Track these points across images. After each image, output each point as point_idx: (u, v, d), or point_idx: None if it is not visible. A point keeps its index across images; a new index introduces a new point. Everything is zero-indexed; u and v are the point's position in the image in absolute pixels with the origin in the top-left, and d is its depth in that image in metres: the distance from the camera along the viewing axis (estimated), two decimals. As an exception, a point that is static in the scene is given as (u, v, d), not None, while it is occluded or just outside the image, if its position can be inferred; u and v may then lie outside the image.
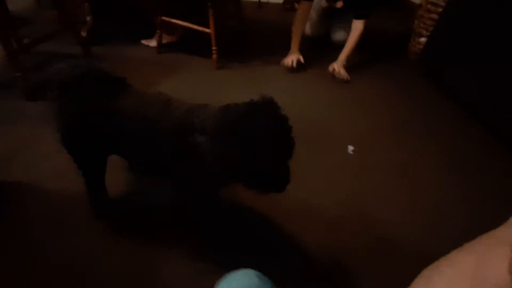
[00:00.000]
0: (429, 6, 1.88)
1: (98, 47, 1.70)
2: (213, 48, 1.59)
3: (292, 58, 1.64)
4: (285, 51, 1.73)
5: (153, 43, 1.76)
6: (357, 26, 1.64)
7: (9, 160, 0.98)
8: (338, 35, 1.89)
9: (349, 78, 1.60)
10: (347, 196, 1.00)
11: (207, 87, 1.52)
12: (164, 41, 1.75)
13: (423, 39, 1.92)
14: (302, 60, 1.66)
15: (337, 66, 1.61)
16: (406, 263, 0.72)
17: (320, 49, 1.90)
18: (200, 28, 1.57)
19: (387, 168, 1.13)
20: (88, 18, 1.74)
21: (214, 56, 1.61)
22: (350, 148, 1.17)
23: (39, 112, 1.13)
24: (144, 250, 0.80)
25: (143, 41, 1.81)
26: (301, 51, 1.69)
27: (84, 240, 0.81)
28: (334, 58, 1.65)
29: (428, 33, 1.88)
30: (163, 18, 1.62)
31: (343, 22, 1.80)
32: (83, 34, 1.64)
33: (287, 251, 0.84)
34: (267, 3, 2.93)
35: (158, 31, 1.68)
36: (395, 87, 1.65)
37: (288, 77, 1.66)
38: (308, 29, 1.91)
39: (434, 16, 1.84)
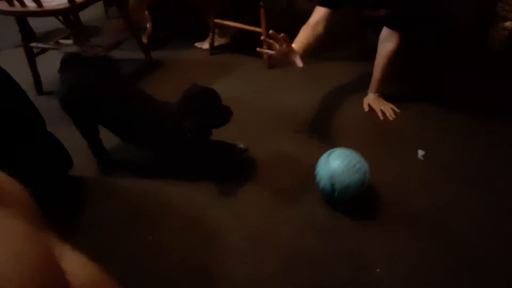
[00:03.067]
0: (518, -17, 1.58)
1: (157, 51, 1.81)
2: (265, 47, 1.56)
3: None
4: (337, 46, 1.62)
5: (206, 45, 1.81)
6: (388, 40, 1.15)
7: (89, 158, 1.08)
8: None
9: (397, 110, 1.22)
10: (420, 210, 0.89)
11: (259, 86, 1.50)
12: (216, 43, 1.78)
13: (509, 23, 1.62)
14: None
15: (374, 103, 1.26)
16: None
17: None
18: (252, 28, 1.55)
19: (463, 177, 0.97)
20: (148, 25, 1.86)
21: (265, 55, 1.58)
22: (421, 152, 1.04)
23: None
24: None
25: (197, 44, 1.86)
26: (366, 60, 1.39)
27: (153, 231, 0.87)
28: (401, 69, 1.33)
29: (517, 16, 1.59)
30: (216, 20, 1.64)
31: None
32: (144, 40, 1.76)
33: (348, 266, 0.78)
34: (318, -5, 2.80)
35: (210, 34, 1.71)
36: (474, 83, 1.43)
37: (344, 74, 1.55)
38: None
39: (526, -6, 1.54)
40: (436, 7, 1.25)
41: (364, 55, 1.66)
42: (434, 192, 0.93)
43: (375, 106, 1.27)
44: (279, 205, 0.92)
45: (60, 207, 0.94)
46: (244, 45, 1.79)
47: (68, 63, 0.85)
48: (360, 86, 1.46)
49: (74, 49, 0.86)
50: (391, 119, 1.22)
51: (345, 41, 1.84)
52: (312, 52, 1.14)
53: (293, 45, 1.12)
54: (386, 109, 1.25)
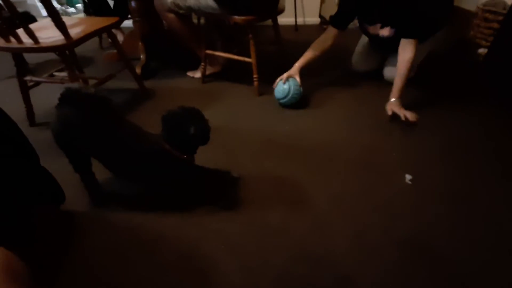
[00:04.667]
0: (486, 14, 1.72)
1: (150, 81, 1.86)
2: (254, 76, 1.64)
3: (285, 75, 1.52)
4: (323, 73, 1.70)
5: (198, 74, 1.87)
6: (406, 50, 1.31)
7: (80, 191, 1.08)
8: (388, 72, 1.63)
9: (417, 118, 1.30)
10: (409, 235, 0.91)
11: (249, 113, 1.55)
12: (208, 72, 1.85)
13: (482, 50, 1.75)
14: (298, 80, 1.50)
15: (396, 108, 1.35)
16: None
17: (369, 84, 1.73)
18: (242, 58, 1.63)
19: (450, 197, 1.01)
20: (142, 56, 1.93)
21: (256, 83, 1.65)
22: (408, 177, 1.08)
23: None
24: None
25: (189, 73, 1.93)
26: (350, 85, 1.62)
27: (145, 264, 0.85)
28: (385, 93, 1.45)
29: (488, 43, 1.72)
30: (207, 51, 1.71)
31: (396, 58, 1.40)
32: (138, 70, 1.81)
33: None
34: (304, 25, 2.96)
35: (202, 64, 1.78)
36: (450, 103, 1.52)
37: (330, 99, 1.62)
38: (355, 63, 1.79)
39: (494, 24, 1.68)
40: (442, 20, 1.42)
41: (346, 80, 1.75)
42: (421, 215, 0.96)
43: (397, 111, 1.34)
44: (270, 234, 0.92)
45: (52, 241, 0.92)
46: (235, 73, 1.87)
47: (66, 99, 0.87)
48: (344, 110, 1.53)
49: (75, 85, 0.87)
50: (415, 120, 1.28)
51: (329, 67, 1.94)
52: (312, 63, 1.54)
53: (297, 64, 1.54)
54: (407, 112, 1.31)
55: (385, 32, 1.44)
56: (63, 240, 0.93)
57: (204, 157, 1.04)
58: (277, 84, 1.53)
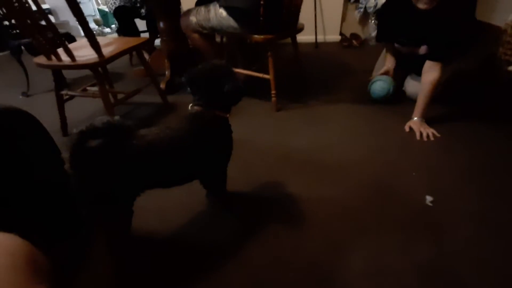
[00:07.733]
0: (515, 31, 1.66)
1: (174, 95, 1.95)
2: (273, 92, 1.67)
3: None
4: (342, 89, 1.70)
5: (218, 89, 1.94)
6: (430, 71, 1.32)
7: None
8: (411, 88, 1.62)
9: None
10: (430, 259, 0.86)
11: (268, 128, 1.57)
12: (228, 87, 1.90)
13: (511, 68, 1.68)
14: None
15: (416, 127, 1.38)
16: None
17: (389, 101, 1.69)
18: (261, 75, 1.67)
19: (478, 222, 0.95)
20: (167, 72, 2.04)
21: (274, 99, 1.68)
22: (429, 198, 1.03)
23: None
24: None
25: (210, 88, 2.00)
26: (370, 102, 1.69)
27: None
28: (405, 111, 1.48)
29: (518, 61, 1.65)
30: (228, 67, 1.78)
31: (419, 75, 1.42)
32: (162, 86, 1.91)
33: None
34: (324, 42, 3.00)
35: (223, 79, 1.85)
36: (476, 121, 1.45)
37: (349, 116, 1.61)
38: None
39: (524, 41, 1.61)
40: (470, 41, 1.44)
41: (366, 97, 1.73)
42: (443, 239, 0.91)
43: (415, 128, 1.39)
44: (281, 249, 0.91)
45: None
46: (254, 89, 1.91)
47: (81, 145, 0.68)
48: (363, 127, 1.51)
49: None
50: (426, 139, 1.34)
51: (348, 83, 1.93)
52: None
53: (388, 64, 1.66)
54: (425, 131, 1.36)
55: (423, 50, 1.44)
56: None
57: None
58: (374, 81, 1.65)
